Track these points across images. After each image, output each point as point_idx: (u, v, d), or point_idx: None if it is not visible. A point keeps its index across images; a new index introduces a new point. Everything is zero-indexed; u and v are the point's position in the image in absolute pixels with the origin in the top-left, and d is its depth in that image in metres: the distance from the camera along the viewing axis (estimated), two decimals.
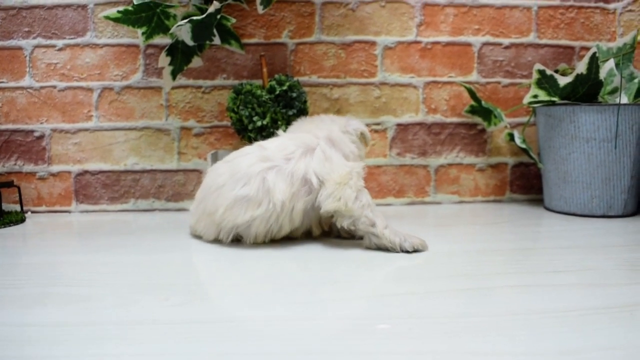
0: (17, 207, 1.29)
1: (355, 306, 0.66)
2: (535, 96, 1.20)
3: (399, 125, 1.34)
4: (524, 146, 1.26)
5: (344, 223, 0.86)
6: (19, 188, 1.27)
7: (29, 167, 1.31)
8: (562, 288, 0.71)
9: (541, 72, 1.18)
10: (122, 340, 0.57)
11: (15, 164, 1.30)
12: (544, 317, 0.61)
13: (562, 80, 1.17)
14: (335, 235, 0.99)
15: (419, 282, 0.75)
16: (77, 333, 0.58)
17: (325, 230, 0.99)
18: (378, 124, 1.34)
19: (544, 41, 1.37)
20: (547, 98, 1.19)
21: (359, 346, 0.54)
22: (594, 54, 1.12)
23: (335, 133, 0.97)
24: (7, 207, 1.29)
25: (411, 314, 0.63)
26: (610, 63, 1.20)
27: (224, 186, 0.89)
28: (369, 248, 0.89)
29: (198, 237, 1.01)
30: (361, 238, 0.91)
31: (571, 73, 1.21)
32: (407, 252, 0.85)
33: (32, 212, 1.31)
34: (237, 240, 0.96)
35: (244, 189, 0.86)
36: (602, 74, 1.15)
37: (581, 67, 1.13)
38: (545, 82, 1.18)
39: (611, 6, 1.38)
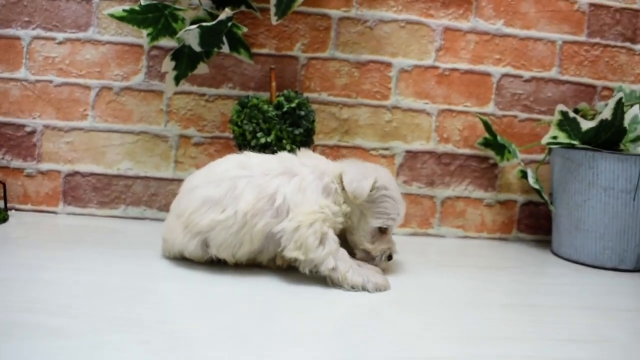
0: (1, 204, 1.22)
1: None
2: (554, 137, 1.15)
3: (408, 152, 1.29)
4: (537, 186, 1.19)
5: (305, 270, 0.85)
6: (4, 184, 1.21)
7: (17, 163, 1.25)
8: None
9: (564, 113, 1.12)
10: None
11: (2, 159, 1.24)
12: None
13: (585, 125, 1.11)
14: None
15: (419, 344, 0.69)
16: None
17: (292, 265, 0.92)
18: (386, 149, 1.29)
19: (565, 77, 1.31)
20: (567, 141, 1.14)
21: None
22: (620, 99, 1.06)
23: (328, 177, 0.91)
24: None
25: None
26: (635, 109, 1.15)
27: (197, 187, 0.88)
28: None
29: (169, 254, 0.95)
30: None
31: (592, 113, 1.15)
32: (369, 292, 0.85)
33: (16, 209, 1.25)
34: (214, 263, 0.91)
35: (213, 191, 0.86)
36: (626, 121, 1.09)
37: (606, 112, 1.08)
38: (567, 124, 1.13)
39: (638, 47, 1.32)
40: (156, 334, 0.65)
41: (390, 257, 0.94)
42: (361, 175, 0.87)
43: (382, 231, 0.92)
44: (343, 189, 0.88)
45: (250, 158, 0.91)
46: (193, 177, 0.93)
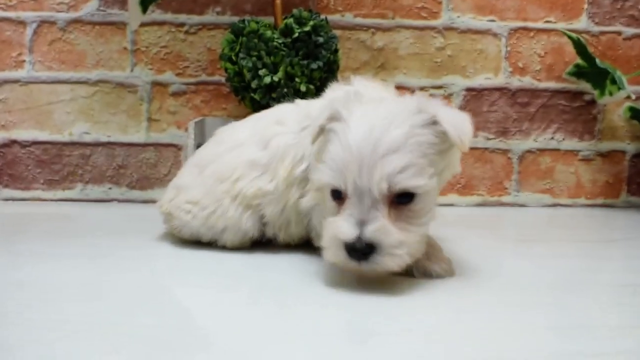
0: None
1: None
2: None
3: (469, 90, 1.10)
4: None
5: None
6: None
7: None
8: None
9: None
10: None
11: None
12: None
13: None
14: None
15: (502, 339, 0.46)
16: None
17: None
18: (439, 87, 1.10)
19: None
20: None
21: None
22: None
23: None
24: None
25: None
26: None
27: (242, 145, 0.77)
28: None
29: (172, 233, 0.77)
30: None
31: None
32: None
33: None
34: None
35: (259, 153, 0.75)
36: None
37: None
38: None
39: None
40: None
41: (358, 251, 0.52)
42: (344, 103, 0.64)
43: (339, 197, 0.57)
44: None
45: (296, 107, 0.77)
46: (236, 130, 0.80)
